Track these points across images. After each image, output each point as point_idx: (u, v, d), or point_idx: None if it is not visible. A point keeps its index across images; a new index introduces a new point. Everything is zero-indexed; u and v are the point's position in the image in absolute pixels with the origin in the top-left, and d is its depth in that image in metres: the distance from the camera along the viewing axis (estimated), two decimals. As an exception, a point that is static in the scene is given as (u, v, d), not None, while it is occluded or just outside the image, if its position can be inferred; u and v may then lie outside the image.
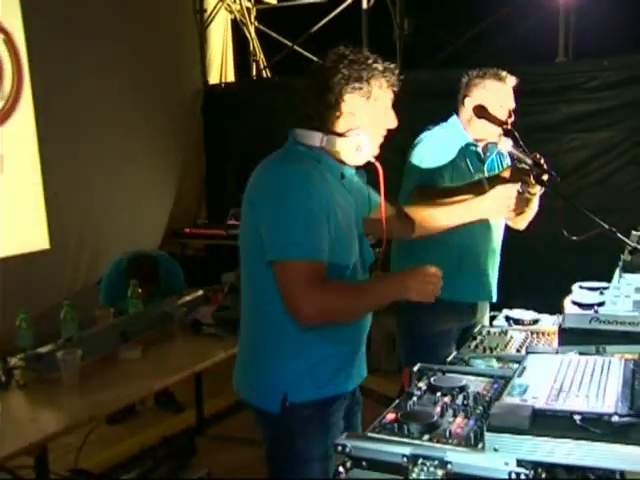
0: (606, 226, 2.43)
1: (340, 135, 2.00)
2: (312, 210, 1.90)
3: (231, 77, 8.18)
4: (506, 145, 2.51)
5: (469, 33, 6.63)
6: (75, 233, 5.90)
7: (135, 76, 6.46)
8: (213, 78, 7.89)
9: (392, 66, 2.03)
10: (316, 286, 1.87)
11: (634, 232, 2.97)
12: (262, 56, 7.98)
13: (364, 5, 6.99)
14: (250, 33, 7.95)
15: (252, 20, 8.00)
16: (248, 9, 7.95)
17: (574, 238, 2.49)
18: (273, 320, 2.00)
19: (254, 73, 8.03)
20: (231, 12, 7.98)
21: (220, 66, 8.02)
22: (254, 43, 7.97)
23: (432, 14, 7.04)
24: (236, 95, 7.60)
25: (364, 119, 2.01)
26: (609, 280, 2.70)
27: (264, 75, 7.96)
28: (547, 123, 5.71)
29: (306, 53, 7.49)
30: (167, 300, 3.87)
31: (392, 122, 2.08)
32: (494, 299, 3.12)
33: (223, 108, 7.46)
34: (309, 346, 2.02)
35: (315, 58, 7.45)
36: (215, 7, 7.74)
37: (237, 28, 8.11)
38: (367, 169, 2.18)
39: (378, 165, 2.10)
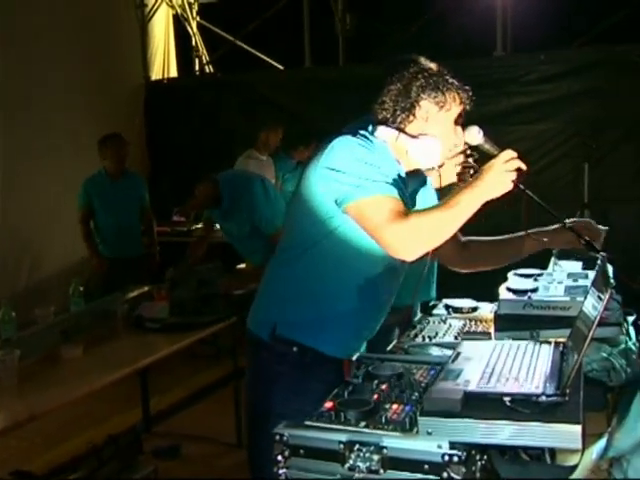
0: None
1: (413, 137, 2.09)
2: (383, 167, 2.01)
3: (174, 73, 8.11)
4: (476, 137, 2.11)
5: (410, 27, 6.71)
6: (18, 232, 5.78)
7: (75, 72, 6.36)
8: (155, 74, 7.81)
9: (467, 87, 2.13)
10: (401, 217, 1.92)
11: (568, 220, 3.04)
12: (205, 51, 7.94)
13: (305, 1, 7.01)
14: (192, 28, 7.89)
15: (194, 15, 7.94)
16: (190, 4, 7.89)
17: (545, 239, 2.49)
18: (299, 267, 2.14)
19: (197, 69, 7.98)
20: (172, 7, 7.91)
21: (162, 62, 7.95)
22: (196, 38, 7.91)
23: (374, 8, 7.10)
24: (179, 91, 7.56)
25: (435, 128, 2.09)
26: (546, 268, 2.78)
27: (207, 70, 7.92)
28: (486, 116, 5.79)
29: (249, 48, 7.48)
30: (110, 297, 3.83)
31: (460, 139, 2.14)
32: (433, 296, 3.14)
33: (165, 104, 7.40)
34: (318, 298, 2.13)
35: (258, 53, 7.45)
36: (156, 2, 7.66)
37: (179, 23, 8.04)
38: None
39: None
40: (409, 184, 2.14)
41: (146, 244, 5.62)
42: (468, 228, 2.32)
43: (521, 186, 1.92)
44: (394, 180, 2.00)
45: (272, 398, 2.14)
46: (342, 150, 2.02)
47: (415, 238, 1.92)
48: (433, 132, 2.09)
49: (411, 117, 2.09)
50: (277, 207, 4.04)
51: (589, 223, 2.44)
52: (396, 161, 2.10)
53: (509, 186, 1.90)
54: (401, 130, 2.10)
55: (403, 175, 2.10)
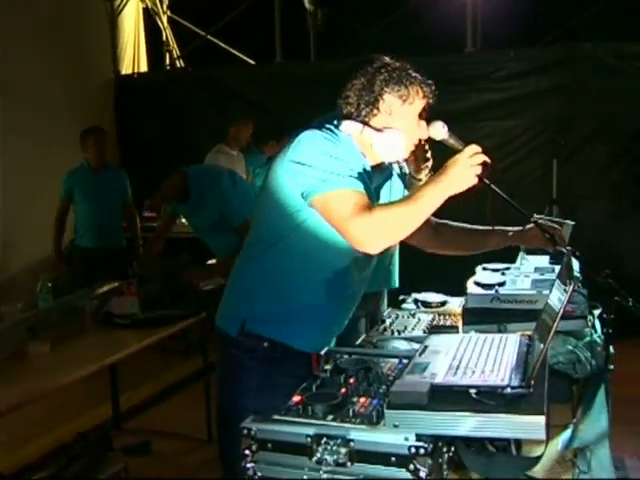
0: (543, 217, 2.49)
1: (377, 130, 2.11)
2: (348, 160, 2.03)
3: (144, 67, 8.05)
4: (441, 131, 2.10)
5: (381, 23, 6.73)
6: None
7: (43, 66, 6.27)
8: (125, 68, 7.74)
9: (430, 81, 2.16)
10: (365, 211, 1.93)
11: (536, 215, 3.07)
12: (175, 46, 7.89)
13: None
14: (162, 22, 7.83)
15: (164, 9, 7.88)
16: (160, -2, 7.84)
17: (510, 234, 2.50)
18: (267, 261, 2.16)
19: (167, 63, 7.93)
20: (143, 0, 7.84)
21: (132, 56, 7.88)
22: (167, 32, 7.86)
23: (345, 4, 7.10)
24: (149, 85, 7.50)
25: (399, 121, 2.12)
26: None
27: (177, 65, 7.87)
28: (456, 111, 5.85)
29: (220, 43, 7.45)
30: (78, 293, 3.80)
31: (423, 132, 2.16)
32: (396, 285, 3.18)
33: (136, 98, 7.34)
34: (286, 291, 2.14)
35: (229, 48, 7.42)
36: (126, -5, 7.60)
37: (149, 17, 7.98)
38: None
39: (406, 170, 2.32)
40: (374, 178, 2.15)
41: (129, 237, 5.70)
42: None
43: (486, 180, 1.94)
44: (359, 174, 2.02)
45: (242, 394, 2.15)
46: (308, 144, 2.03)
47: (379, 231, 1.93)
48: (397, 125, 2.11)
49: (375, 111, 2.11)
50: (246, 198, 4.02)
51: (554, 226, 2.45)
52: (361, 155, 2.11)
53: (473, 180, 1.92)
54: (365, 124, 2.11)
55: (368, 169, 2.11)
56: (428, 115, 2.76)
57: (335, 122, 2.12)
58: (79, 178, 5.42)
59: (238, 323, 2.15)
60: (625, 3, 6.04)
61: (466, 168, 1.91)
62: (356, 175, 2.00)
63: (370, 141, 2.12)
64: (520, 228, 2.46)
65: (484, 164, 1.91)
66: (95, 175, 5.41)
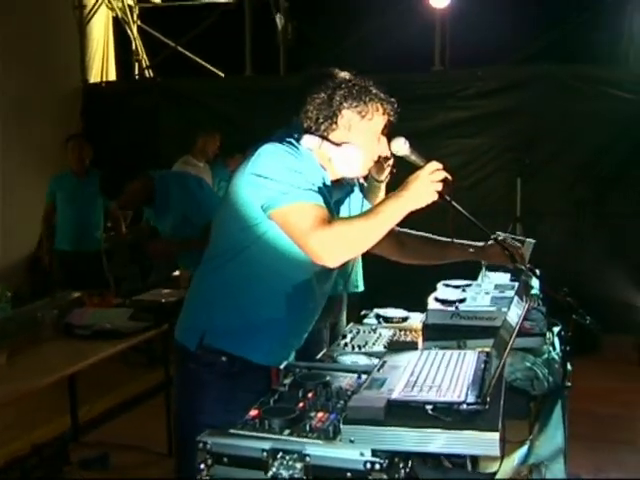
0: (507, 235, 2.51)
1: (336, 145, 2.12)
2: (308, 174, 2.03)
3: (112, 76, 8.00)
4: (402, 147, 2.11)
5: (350, 39, 6.78)
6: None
7: (10, 73, 6.20)
8: (94, 77, 7.69)
9: (392, 99, 2.16)
10: (325, 224, 1.94)
11: (499, 233, 3.09)
12: (144, 56, 7.85)
13: (247, 10, 7.02)
14: (132, 32, 7.80)
15: (135, 19, 7.85)
16: (130, 7, 7.80)
17: (471, 250, 2.51)
18: (227, 273, 2.15)
19: (136, 73, 7.89)
20: (112, 9, 7.80)
21: (101, 65, 7.83)
22: (136, 42, 7.82)
23: (315, 19, 7.14)
24: (117, 94, 7.45)
25: (358, 137, 2.13)
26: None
27: (146, 75, 7.84)
28: (423, 129, 5.91)
29: (189, 54, 7.44)
30: (38, 303, 3.74)
31: (384, 149, 2.18)
32: (361, 288, 3.20)
33: (104, 108, 7.29)
34: (246, 305, 2.13)
35: (198, 59, 7.42)
36: (96, 3, 7.55)
37: (119, 26, 7.94)
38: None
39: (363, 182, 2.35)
40: (334, 193, 2.16)
41: (114, 237, 5.85)
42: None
43: (446, 197, 1.95)
44: (319, 188, 2.03)
45: (200, 408, 2.13)
46: (268, 157, 2.04)
47: (339, 245, 1.94)
48: (356, 141, 2.12)
49: (334, 125, 2.12)
50: (212, 202, 3.97)
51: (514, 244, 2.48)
52: (322, 168, 2.12)
53: (434, 196, 1.94)
54: (324, 138, 2.12)
55: (328, 183, 2.12)
56: (393, 132, 2.78)
57: (296, 135, 2.13)
58: (62, 183, 5.61)
59: (197, 336, 2.14)
60: (589, 27, 6.17)
61: (427, 184, 1.93)
62: (316, 189, 2.00)
63: (329, 155, 2.13)
64: (482, 244, 2.48)
65: (445, 181, 1.93)
66: (78, 180, 5.56)
